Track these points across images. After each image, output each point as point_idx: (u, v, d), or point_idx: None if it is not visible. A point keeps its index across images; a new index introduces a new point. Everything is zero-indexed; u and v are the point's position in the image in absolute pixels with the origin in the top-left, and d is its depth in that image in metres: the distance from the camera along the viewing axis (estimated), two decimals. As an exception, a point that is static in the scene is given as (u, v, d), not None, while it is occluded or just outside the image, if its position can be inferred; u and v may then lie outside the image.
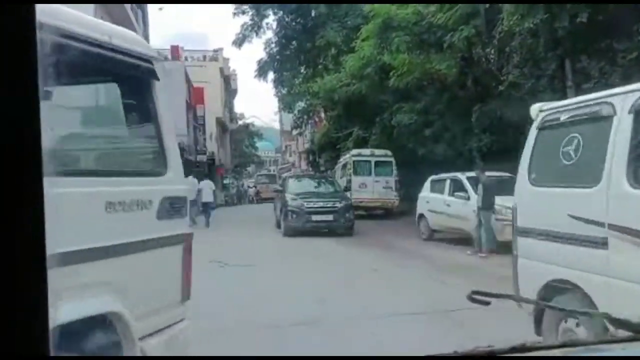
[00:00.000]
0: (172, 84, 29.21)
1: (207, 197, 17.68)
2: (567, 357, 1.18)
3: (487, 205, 9.79)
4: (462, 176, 11.43)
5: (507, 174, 11.40)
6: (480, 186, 10.05)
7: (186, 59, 38.75)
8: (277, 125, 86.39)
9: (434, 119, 17.06)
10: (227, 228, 17.36)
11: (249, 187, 45.08)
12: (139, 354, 2.65)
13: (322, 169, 45.33)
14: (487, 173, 10.72)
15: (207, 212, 17.60)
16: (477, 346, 1.13)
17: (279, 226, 15.45)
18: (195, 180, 18.53)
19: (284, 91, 35.15)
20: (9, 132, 0.66)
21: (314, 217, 13.92)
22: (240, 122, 64.28)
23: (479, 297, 1.49)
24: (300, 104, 41.71)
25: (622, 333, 1.24)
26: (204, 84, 35.78)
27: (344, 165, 21.00)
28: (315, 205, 14.16)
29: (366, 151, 20.24)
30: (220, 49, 45.07)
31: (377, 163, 19.61)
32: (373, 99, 19.38)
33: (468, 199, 10.74)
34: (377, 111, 19.98)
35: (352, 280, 8.05)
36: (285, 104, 42.24)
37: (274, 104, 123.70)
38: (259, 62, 26.36)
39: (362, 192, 19.10)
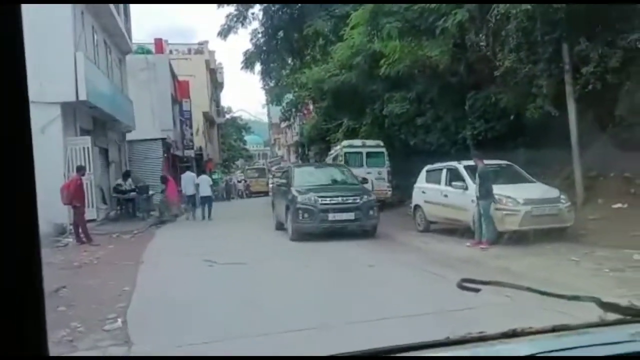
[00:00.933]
0: (157, 77, 28.60)
1: (205, 191, 18.51)
2: (557, 341, 1.21)
3: (485, 195, 9.41)
4: (459, 165, 11.05)
5: (505, 162, 11.12)
6: (477, 175, 9.67)
7: (171, 52, 38.02)
8: (265, 119, 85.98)
9: (426, 108, 16.71)
10: (218, 224, 17.00)
11: (238, 181, 44.43)
12: None
13: (312, 161, 44.95)
14: (485, 161, 10.38)
15: (208, 205, 18.43)
16: (468, 332, 1.15)
17: (280, 227, 13.35)
18: (194, 175, 19.90)
19: (272, 84, 34.97)
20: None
21: (331, 216, 11.53)
22: (227, 116, 63.68)
23: (469, 285, 1.56)
24: (289, 96, 41.35)
25: (611, 316, 1.27)
26: (189, 77, 35.12)
27: (335, 157, 20.56)
28: (332, 202, 11.69)
29: (357, 142, 19.82)
30: (206, 42, 44.33)
31: (368, 154, 19.21)
32: (363, 88, 18.95)
33: (466, 188, 10.36)
34: (367, 101, 19.56)
35: (346, 278, 7.66)
36: (273, 97, 41.84)
37: (261, 97, 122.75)
38: (245, 53, 25.79)
39: (353, 185, 18.90)
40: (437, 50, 13.72)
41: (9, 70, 0.67)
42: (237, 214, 21.86)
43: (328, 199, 11.76)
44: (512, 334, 1.19)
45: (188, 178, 19.30)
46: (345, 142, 20.25)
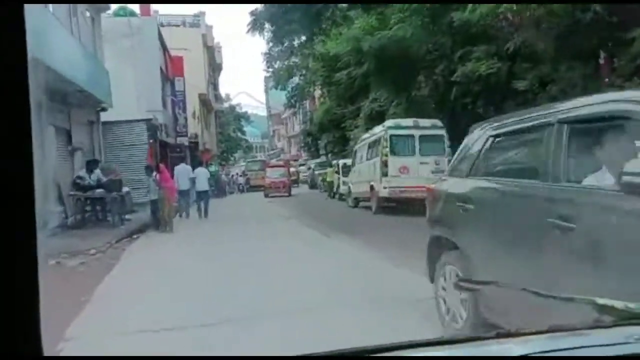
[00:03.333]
0: (143, 46, 23.22)
1: (202, 185, 16.60)
2: (551, 342, 1.16)
3: None
4: None
5: None
6: None
7: (161, 24, 32.63)
8: (262, 112, 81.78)
9: (524, 68, 11.53)
10: (223, 235, 11.98)
11: (239, 175, 39.68)
12: None
13: (322, 152, 39.99)
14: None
15: (205, 201, 16.55)
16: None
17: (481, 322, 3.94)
18: (190, 168, 17.67)
19: (277, 65, 30.95)
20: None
21: None
22: (226, 104, 58.70)
23: (466, 285, 1.92)
24: (295, 80, 36.71)
25: (607, 318, 1.24)
26: (183, 51, 29.80)
27: (374, 143, 15.62)
28: None
29: (407, 121, 14.87)
30: (202, 14, 38.84)
31: (423, 137, 14.34)
32: (419, 47, 13.80)
33: None
34: (422, 64, 14.43)
35: None
36: (278, 79, 37.64)
37: (261, 88, 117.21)
38: (253, 12, 20.59)
39: (402, 179, 14.21)
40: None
41: (11, 71, 0.67)
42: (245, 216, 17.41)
43: None
44: (506, 334, 1.16)
45: (183, 171, 16.61)
46: (391, 122, 15.38)
